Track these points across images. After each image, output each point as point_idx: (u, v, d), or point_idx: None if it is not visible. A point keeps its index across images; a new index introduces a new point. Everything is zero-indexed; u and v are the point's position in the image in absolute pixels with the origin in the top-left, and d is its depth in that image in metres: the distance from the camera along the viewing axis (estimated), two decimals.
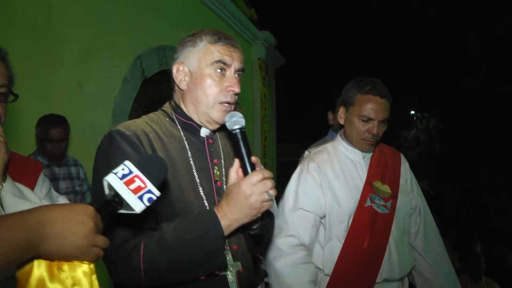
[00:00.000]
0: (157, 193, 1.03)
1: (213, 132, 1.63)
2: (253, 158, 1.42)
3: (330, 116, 3.90)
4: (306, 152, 2.51)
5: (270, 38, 7.56)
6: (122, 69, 4.05)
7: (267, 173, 1.38)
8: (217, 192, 1.54)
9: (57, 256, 0.88)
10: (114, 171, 1.02)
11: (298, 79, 12.70)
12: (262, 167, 1.46)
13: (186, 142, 1.54)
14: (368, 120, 2.20)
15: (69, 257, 0.89)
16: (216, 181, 1.56)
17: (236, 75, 1.54)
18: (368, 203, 2.18)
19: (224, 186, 1.58)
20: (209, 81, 1.50)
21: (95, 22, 3.74)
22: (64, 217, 0.88)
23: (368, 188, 2.23)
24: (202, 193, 1.49)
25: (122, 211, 1.02)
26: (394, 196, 2.26)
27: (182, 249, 1.30)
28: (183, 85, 1.56)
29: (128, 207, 1.01)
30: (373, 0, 12.23)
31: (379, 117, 2.20)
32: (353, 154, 2.31)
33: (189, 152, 1.53)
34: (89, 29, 3.67)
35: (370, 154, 2.34)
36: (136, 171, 1.03)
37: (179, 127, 1.56)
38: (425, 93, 13.98)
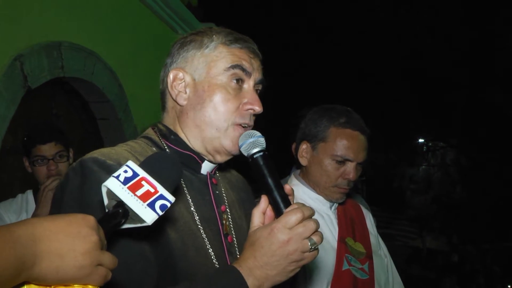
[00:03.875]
0: (171, 198, 1.15)
1: (215, 169, 1.72)
2: (287, 188, 1.49)
3: (294, 147, 4.05)
4: None
5: None
6: None
7: (308, 211, 1.43)
8: (228, 251, 1.62)
9: (54, 280, 0.94)
10: (115, 174, 1.12)
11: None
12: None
13: (182, 181, 1.59)
14: (344, 161, 2.39)
15: (69, 280, 0.96)
16: (226, 236, 1.64)
17: (256, 90, 1.65)
18: (345, 266, 2.33)
19: (235, 243, 1.66)
20: (222, 94, 1.59)
21: None
22: (61, 230, 0.96)
23: (343, 247, 2.39)
24: (211, 252, 1.55)
25: (127, 225, 1.11)
26: (369, 256, 2.46)
27: None
28: (182, 100, 1.63)
29: (136, 218, 1.10)
30: None
31: (359, 158, 2.39)
32: (318, 203, 2.47)
33: (187, 195, 1.59)
34: None
35: (337, 204, 2.54)
36: (142, 173, 1.14)
37: None
38: (440, 115, 14.49)
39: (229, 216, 1.71)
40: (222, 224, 1.65)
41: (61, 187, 1.45)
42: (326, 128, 2.45)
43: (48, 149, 3.19)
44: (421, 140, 17.21)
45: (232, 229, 1.69)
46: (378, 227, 2.93)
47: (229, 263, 1.58)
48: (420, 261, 11.12)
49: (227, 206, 1.72)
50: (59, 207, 1.41)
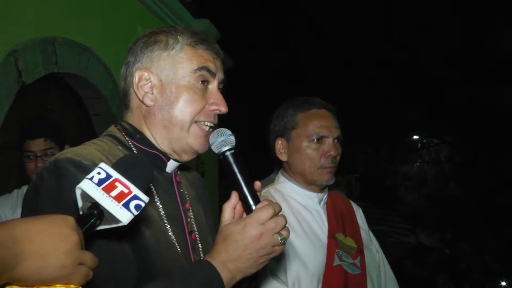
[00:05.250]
0: (145, 198, 1.17)
1: (178, 167, 1.76)
2: (257, 184, 1.56)
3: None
4: None
5: (210, 29, 7.76)
6: None
7: (277, 207, 1.50)
8: (192, 248, 1.67)
9: (36, 280, 0.95)
10: (88, 176, 1.14)
11: (250, 88, 12.96)
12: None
13: None
14: (321, 139, 2.45)
15: (52, 280, 0.97)
16: (190, 233, 1.69)
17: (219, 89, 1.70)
18: (336, 261, 2.37)
19: (198, 239, 1.71)
20: (189, 95, 1.63)
21: None
22: (42, 230, 0.98)
23: (333, 242, 2.42)
24: (178, 249, 1.60)
25: (103, 226, 1.13)
26: (360, 251, 2.50)
27: None
28: (148, 101, 1.66)
29: (112, 219, 1.13)
30: None
31: (334, 133, 2.46)
32: (306, 199, 2.51)
33: (155, 193, 1.63)
34: None
35: (326, 198, 2.57)
36: (115, 174, 1.17)
37: None
38: (434, 112, 14.53)
39: (191, 214, 1.75)
40: (187, 221, 1.70)
41: (35, 187, 1.46)
42: (293, 116, 2.52)
43: (36, 145, 3.14)
44: (415, 137, 17.26)
45: (194, 226, 1.74)
46: (372, 224, 2.96)
47: (193, 260, 1.63)
48: (413, 258, 11.16)
49: (190, 204, 1.77)
50: (34, 207, 1.42)
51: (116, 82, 5.73)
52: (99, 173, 1.15)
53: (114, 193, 1.13)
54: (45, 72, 4.57)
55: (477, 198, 13.71)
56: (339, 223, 2.52)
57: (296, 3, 13.35)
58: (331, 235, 2.43)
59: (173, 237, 1.60)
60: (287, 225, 1.50)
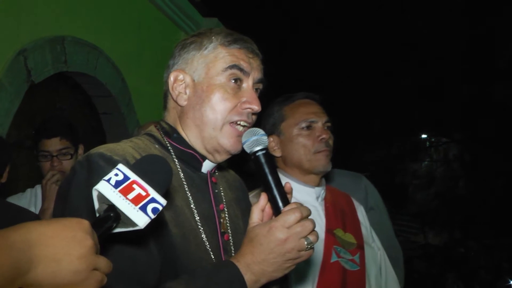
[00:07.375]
0: (163, 201, 1.14)
1: (215, 168, 1.75)
2: (287, 186, 1.54)
3: None
4: None
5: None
6: None
7: (305, 211, 1.49)
8: (224, 249, 1.66)
9: (49, 285, 0.94)
10: (106, 178, 1.12)
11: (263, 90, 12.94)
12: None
13: (184, 179, 1.64)
14: (311, 125, 2.47)
15: (65, 285, 0.95)
16: (222, 234, 1.68)
17: (255, 89, 1.68)
18: (334, 258, 2.36)
19: (231, 241, 1.70)
20: (220, 94, 1.62)
21: None
22: (56, 234, 0.96)
23: (331, 239, 2.41)
24: (208, 248, 1.59)
25: (119, 229, 1.11)
26: (360, 247, 2.48)
27: None
28: (182, 100, 1.67)
29: (128, 222, 1.10)
30: None
31: (322, 118, 2.48)
32: (304, 195, 2.48)
33: (188, 193, 1.62)
34: None
35: (323, 194, 2.55)
36: (133, 176, 1.14)
37: (174, 158, 1.65)
38: (443, 110, 14.49)
39: (226, 215, 1.74)
40: (219, 222, 1.69)
41: (67, 180, 1.48)
42: (279, 111, 2.56)
43: (52, 144, 3.14)
44: (424, 136, 17.20)
45: (228, 227, 1.73)
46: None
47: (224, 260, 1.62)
48: (422, 257, 11.13)
49: (225, 205, 1.76)
50: (65, 201, 1.44)
51: (125, 81, 5.75)
52: (116, 175, 1.13)
53: (131, 195, 1.11)
54: (54, 71, 4.58)
55: (486, 196, 13.66)
56: (338, 218, 2.51)
57: (308, 2, 13.31)
58: (328, 231, 2.42)
59: (204, 236, 1.59)
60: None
